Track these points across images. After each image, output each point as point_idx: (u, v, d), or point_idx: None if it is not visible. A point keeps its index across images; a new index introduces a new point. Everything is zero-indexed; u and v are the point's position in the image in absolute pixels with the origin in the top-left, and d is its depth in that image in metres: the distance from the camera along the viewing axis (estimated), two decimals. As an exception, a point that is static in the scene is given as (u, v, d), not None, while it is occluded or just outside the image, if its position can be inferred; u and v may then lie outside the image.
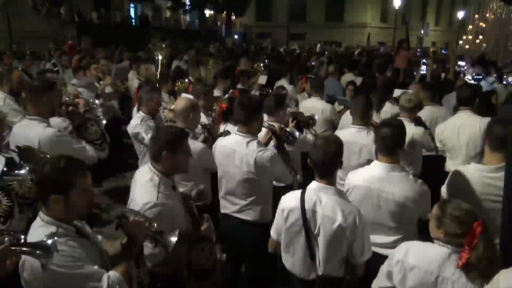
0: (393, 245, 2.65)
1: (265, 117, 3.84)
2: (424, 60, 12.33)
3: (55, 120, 3.72)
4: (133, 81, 7.53)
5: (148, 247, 2.48)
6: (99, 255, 2.22)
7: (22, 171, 2.67)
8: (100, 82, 6.61)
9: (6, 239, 1.77)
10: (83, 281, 2.01)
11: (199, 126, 3.94)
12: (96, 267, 2.08)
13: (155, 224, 2.36)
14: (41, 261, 1.79)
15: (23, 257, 1.93)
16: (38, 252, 1.78)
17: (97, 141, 3.65)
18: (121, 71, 8.73)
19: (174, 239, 2.37)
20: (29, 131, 3.37)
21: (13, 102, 4.65)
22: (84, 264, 2.02)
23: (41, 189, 2.08)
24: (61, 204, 2.03)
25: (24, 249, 1.79)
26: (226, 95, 5.83)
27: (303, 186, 2.71)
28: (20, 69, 7.23)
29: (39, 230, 2.03)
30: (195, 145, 3.54)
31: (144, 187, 2.67)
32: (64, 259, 1.95)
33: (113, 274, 2.12)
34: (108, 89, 6.53)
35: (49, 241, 1.80)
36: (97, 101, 4.45)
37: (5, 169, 2.60)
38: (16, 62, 9.33)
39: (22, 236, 2.14)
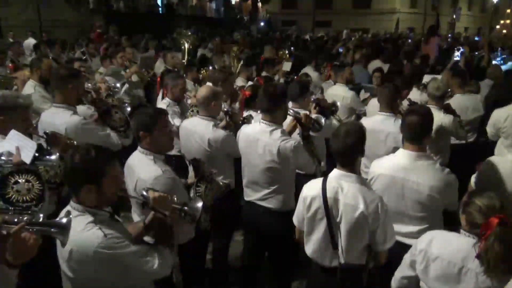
0: (417, 235, 2.58)
1: (290, 104, 3.81)
2: (460, 47, 11.92)
3: (81, 108, 3.79)
4: (160, 69, 7.59)
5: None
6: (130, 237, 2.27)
7: (53, 157, 2.74)
8: (126, 70, 6.69)
9: (26, 218, 1.79)
10: (135, 257, 2.08)
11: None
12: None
13: (175, 198, 2.41)
14: (58, 238, 1.82)
15: (68, 245, 1.92)
16: (54, 230, 1.80)
17: (121, 128, 3.70)
18: (146, 60, 8.81)
19: (200, 204, 2.42)
20: (56, 118, 3.43)
21: (42, 89, 4.74)
22: (130, 243, 2.08)
23: (73, 179, 2.10)
24: (93, 193, 2.07)
25: (40, 228, 1.79)
26: (249, 83, 5.82)
27: (326, 173, 2.68)
28: (50, 57, 7.37)
29: (76, 220, 1.99)
30: (217, 133, 3.55)
31: (144, 166, 2.73)
32: (112, 241, 2.01)
33: (161, 247, 2.21)
34: (134, 78, 6.62)
35: (64, 219, 1.82)
36: (118, 85, 4.50)
37: (37, 154, 2.67)
38: (47, 51, 9.50)
39: (41, 215, 2.19)
